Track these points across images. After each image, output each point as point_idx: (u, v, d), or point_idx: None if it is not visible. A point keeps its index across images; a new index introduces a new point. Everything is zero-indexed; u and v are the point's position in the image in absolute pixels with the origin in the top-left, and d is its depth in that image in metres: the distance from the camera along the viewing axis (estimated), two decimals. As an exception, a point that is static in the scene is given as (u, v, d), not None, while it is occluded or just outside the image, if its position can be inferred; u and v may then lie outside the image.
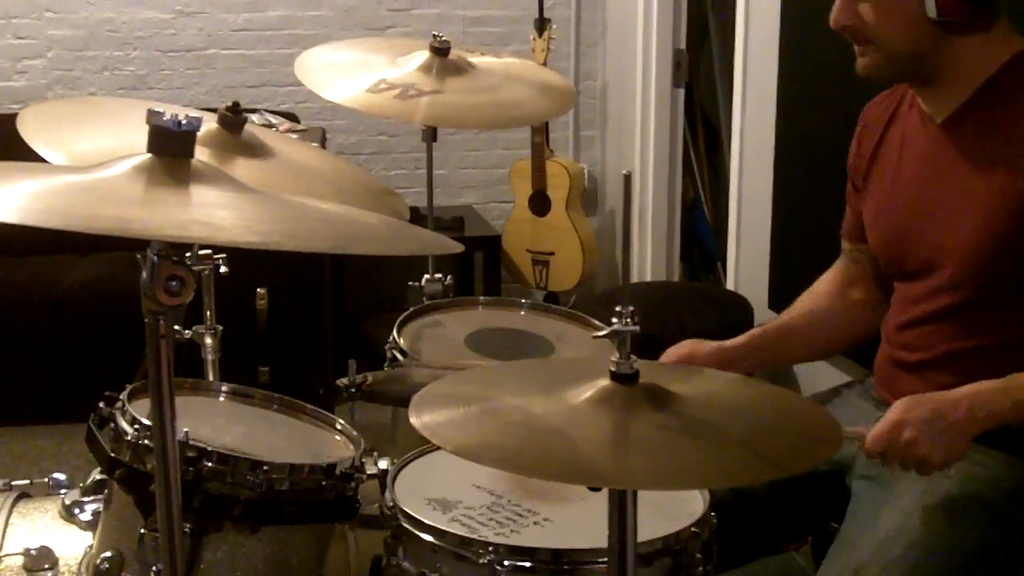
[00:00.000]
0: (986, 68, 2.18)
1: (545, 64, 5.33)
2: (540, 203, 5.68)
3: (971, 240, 2.16)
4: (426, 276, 2.93)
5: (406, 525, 1.89)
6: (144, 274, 1.51)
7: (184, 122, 1.56)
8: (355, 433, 2.19)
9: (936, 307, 2.26)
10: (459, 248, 1.73)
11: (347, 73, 2.80)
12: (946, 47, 2.17)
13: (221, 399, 2.31)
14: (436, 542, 1.84)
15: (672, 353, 2.43)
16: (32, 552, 2.22)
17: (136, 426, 1.97)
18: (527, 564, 1.79)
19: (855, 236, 2.53)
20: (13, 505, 2.37)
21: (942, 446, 2.02)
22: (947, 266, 2.22)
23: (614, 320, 1.58)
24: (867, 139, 2.44)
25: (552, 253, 5.70)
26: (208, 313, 2.71)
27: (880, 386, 2.42)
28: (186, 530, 1.88)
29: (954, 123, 2.22)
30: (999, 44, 2.18)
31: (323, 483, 2.00)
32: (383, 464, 2.11)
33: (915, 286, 2.32)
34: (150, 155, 1.56)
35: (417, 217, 3.31)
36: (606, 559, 1.58)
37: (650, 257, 5.52)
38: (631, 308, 1.57)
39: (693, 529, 1.88)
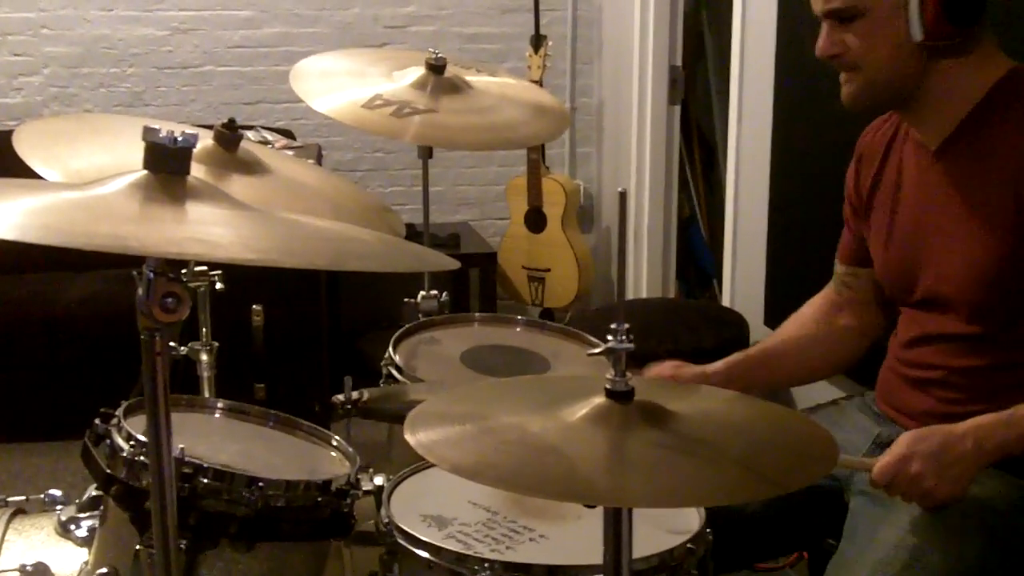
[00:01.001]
0: (974, 93, 2.17)
1: (541, 81, 5.35)
2: (536, 220, 5.69)
3: (971, 268, 2.16)
4: (422, 293, 2.92)
5: (402, 542, 1.89)
6: (140, 291, 1.51)
7: (180, 139, 1.56)
8: (351, 450, 2.18)
9: (942, 330, 2.26)
10: (455, 265, 1.73)
11: (342, 85, 2.79)
12: (931, 72, 2.17)
13: (217, 416, 2.31)
14: (432, 558, 1.84)
15: (655, 372, 2.44)
16: (28, 568, 2.22)
17: (132, 443, 1.97)
18: (523, 581, 1.80)
19: (851, 259, 2.53)
20: (9, 521, 2.37)
21: (949, 479, 2.04)
22: (950, 294, 2.22)
23: (609, 338, 1.57)
24: (866, 168, 2.44)
25: (548, 270, 5.71)
26: (204, 330, 2.71)
27: (883, 400, 2.42)
28: (182, 547, 1.87)
29: (946, 150, 2.22)
30: (985, 67, 2.18)
31: (319, 500, 2.00)
32: (379, 481, 2.10)
33: (921, 312, 2.32)
34: (146, 172, 1.56)
35: (413, 234, 3.32)
36: (602, 575, 1.58)
37: (646, 274, 5.53)
38: (626, 325, 1.57)
39: (689, 545, 1.87)
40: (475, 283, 5.61)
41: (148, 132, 1.56)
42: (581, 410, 1.54)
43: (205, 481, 1.92)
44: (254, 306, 4.52)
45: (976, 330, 2.20)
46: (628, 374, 1.55)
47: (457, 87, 2.81)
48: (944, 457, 2.04)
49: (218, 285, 2.63)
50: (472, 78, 2.88)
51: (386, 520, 1.93)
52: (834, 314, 2.57)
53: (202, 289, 2.62)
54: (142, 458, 1.93)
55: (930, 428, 2.10)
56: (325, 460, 2.20)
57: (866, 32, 2.17)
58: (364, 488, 2.09)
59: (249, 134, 4.49)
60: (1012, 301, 2.15)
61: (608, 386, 1.55)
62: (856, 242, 2.50)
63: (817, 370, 2.60)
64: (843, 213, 2.53)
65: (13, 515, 2.40)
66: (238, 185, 2.25)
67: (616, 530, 1.52)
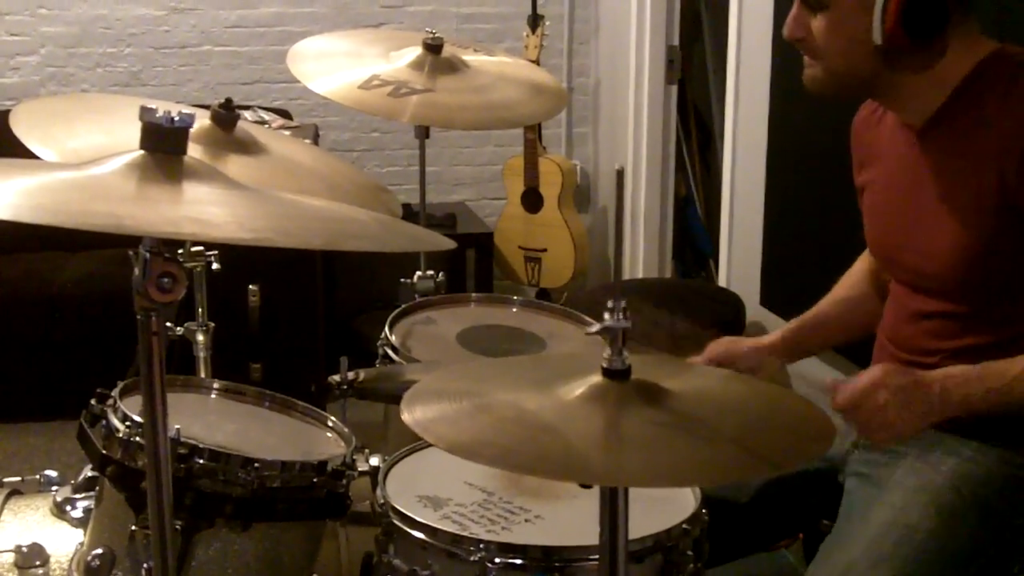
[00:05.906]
0: (954, 75, 2.16)
1: (538, 61, 5.34)
2: (533, 200, 5.68)
3: (954, 246, 2.16)
4: (418, 273, 2.92)
5: (397, 522, 1.89)
6: (136, 271, 1.51)
7: (177, 119, 1.56)
8: (347, 430, 2.18)
9: (930, 309, 2.25)
10: (451, 245, 1.73)
11: (339, 66, 2.79)
12: (889, 75, 2.17)
13: (213, 396, 2.31)
14: (427, 539, 1.85)
15: (709, 351, 2.47)
16: (23, 549, 2.22)
17: (128, 423, 1.97)
18: (518, 561, 1.79)
19: None
20: (4, 502, 2.37)
21: (910, 417, 2.03)
22: (936, 272, 2.21)
23: (606, 316, 1.57)
24: (859, 147, 2.44)
25: (544, 250, 5.70)
26: (200, 310, 2.71)
27: None
28: (177, 527, 1.88)
29: (930, 130, 2.21)
30: (966, 50, 2.17)
31: (315, 480, 2.00)
32: (374, 461, 2.11)
33: (909, 289, 2.32)
34: (143, 152, 1.55)
35: (409, 214, 3.32)
36: (597, 556, 1.58)
37: (642, 254, 5.53)
38: (623, 303, 1.57)
39: (684, 526, 1.88)
40: (471, 263, 5.61)
41: (145, 112, 1.56)
42: (577, 388, 1.54)
43: (201, 462, 1.92)
44: (250, 286, 4.51)
45: (964, 309, 2.20)
46: (626, 352, 1.55)
47: (454, 67, 2.81)
48: (912, 395, 2.03)
49: (214, 265, 2.63)
50: (469, 57, 2.88)
51: (382, 501, 1.94)
52: (879, 271, 2.55)
53: (198, 269, 2.62)
54: (138, 439, 1.93)
55: (904, 367, 2.11)
56: (321, 441, 2.20)
57: (829, 24, 2.17)
58: (360, 469, 2.09)
59: (246, 114, 4.48)
60: (998, 279, 2.15)
61: (605, 364, 1.55)
62: None
63: (870, 325, 2.58)
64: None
65: (9, 496, 2.40)
66: (235, 165, 2.25)
67: (612, 509, 1.52)
